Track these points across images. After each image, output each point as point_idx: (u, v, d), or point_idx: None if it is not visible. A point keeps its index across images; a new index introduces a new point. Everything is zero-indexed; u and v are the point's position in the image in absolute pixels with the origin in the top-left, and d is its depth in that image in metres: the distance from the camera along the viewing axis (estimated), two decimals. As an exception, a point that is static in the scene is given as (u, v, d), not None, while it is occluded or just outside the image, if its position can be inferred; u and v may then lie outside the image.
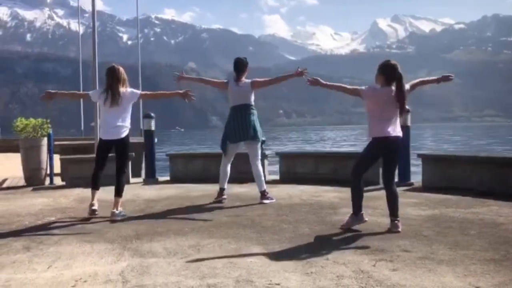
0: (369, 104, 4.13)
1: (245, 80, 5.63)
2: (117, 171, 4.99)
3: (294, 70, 5.35)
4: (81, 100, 5.11)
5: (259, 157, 5.72)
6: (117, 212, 4.83)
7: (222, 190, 5.73)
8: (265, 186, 5.69)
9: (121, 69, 5.01)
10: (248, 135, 5.53)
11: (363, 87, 4.18)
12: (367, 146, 4.19)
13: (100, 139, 5.06)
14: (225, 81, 5.86)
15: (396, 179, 6.92)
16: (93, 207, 4.92)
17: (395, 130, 4.08)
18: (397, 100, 4.02)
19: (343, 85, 4.40)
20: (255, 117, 5.58)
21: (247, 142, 5.60)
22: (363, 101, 4.16)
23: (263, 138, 5.74)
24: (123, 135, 4.95)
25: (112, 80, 4.90)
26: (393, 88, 4.03)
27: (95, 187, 5.02)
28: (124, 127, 4.95)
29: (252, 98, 5.62)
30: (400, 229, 3.96)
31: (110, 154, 5.10)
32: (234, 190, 6.47)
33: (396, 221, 4.01)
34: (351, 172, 4.19)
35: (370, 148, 4.15)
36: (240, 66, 5.64)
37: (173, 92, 5.15)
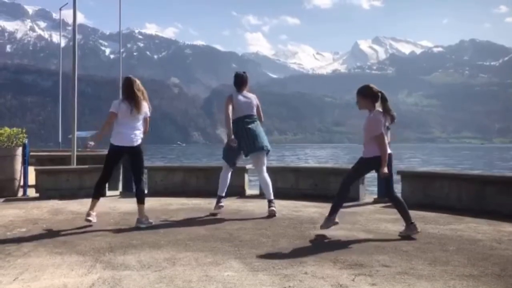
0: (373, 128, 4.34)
1: (248, 93, 5.69)
2: (135, 179, 5.06)
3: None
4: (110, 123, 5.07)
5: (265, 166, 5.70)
6: (142, 219, 4.92)
7: (219, 198, 5.61)
8: (272, 196, 5.61)
9: (138, 80, 5.12)
10: (262, 146, 5.52)
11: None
12: (358, 162, 4.47)
13: (113, 145, 4.97)
14: (229, 98, 5.60)
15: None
16: (89, 217, 4.88)
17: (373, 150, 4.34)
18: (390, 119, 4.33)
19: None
20: (262, 128, 5.63)
21: (256, 153, 5.55)
22: (368, 125, 4.37)
23: (269, 148, 5.71)
24: (138, 142, 5.02)
25: (133, 90, 4.95)
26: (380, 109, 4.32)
27: (97, 196, 4.98)
28: (140, 135, 5.06)
29: None
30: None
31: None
32: (213, 204, 6.36)
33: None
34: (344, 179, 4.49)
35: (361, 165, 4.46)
36: (238, 80, 5.69)
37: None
